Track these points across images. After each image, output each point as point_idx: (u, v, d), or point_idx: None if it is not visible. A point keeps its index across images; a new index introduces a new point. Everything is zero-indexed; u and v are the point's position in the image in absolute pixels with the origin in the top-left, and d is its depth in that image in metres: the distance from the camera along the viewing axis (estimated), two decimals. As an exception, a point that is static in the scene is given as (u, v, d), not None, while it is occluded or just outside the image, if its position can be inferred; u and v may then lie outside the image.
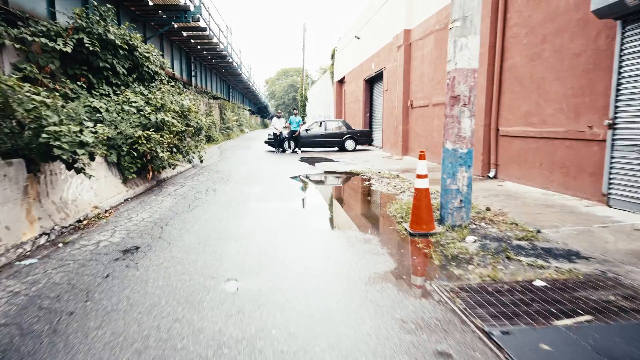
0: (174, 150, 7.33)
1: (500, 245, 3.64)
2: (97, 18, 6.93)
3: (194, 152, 9.33)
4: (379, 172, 8.97)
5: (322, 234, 4.26)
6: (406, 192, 6.51)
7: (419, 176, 4.18)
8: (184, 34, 14.69)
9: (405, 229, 4.24)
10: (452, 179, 4.28)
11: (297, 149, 14.87)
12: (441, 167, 4.44)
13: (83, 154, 3.67)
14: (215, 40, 16.22)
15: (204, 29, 13.81)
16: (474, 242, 3.79)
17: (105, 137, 4.29)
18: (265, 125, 59.30)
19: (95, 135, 3.92)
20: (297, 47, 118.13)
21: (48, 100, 3.65)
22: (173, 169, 7.74)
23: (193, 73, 18.51)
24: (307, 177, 8.68)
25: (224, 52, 18.36)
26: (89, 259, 3.36)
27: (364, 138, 15.42)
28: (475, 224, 4.41)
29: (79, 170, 3.95)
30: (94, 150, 3.89)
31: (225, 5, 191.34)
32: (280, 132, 14.96)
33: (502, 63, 7.24)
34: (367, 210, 5.58)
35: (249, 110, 44.61)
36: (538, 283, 2.82)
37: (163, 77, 9.58)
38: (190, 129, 8.11)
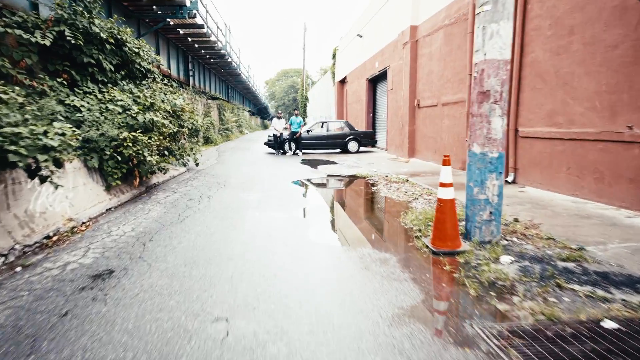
0: (165, 153, 6.74)
1: (544, 269, 3.05)
2: (81, 9, 6.35)
3: (189, 155, 8.76)
4: (386, 176, 8.39)
5: (331, 252, 3.67)
6: (419, 199, 5.93)
7: (442, 185, 3.59)
8: (181, 31, 14.13)
9: (427, 246, 3.65)
10: (481, 188, 3.69)
11: (298, 151, 14.29)
12: (467, 174, 3.85)
13: (46, 161, 3.09)
14: (213, 38, 15.67)
15: (201, 26, 13.25)
16: (511, 263, 3.20)
17: (76, 139, 3.69)
18: (265, 127, 58.74)
19: (63, 137, 3.34)
20: (297, 47, 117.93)
21: (4, 96, 3.07)
22: (164, 173, 7.15)
23: (191, 73, 17.96)
24: (309, 181, 8.09)
25: (222, 51, 17.80)
26: (49, 288, 2.77)
27: (368, 139, 14.84)
28: (507, 239, 3.82)
29: (43, 179, 3.37)
30: (60, 155, 3.30)
31: (224, 6, 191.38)
32: (281, 134, 14.39)
33: (522, 58, 6.66)
34: (379, 222, 4.98)
35: (249, 111, 44.08)
36: (608, 324, 2.23)
37: (156, 75, 9.02)
38: (184, 130, 7.53)
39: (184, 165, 9.15)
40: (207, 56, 19.09)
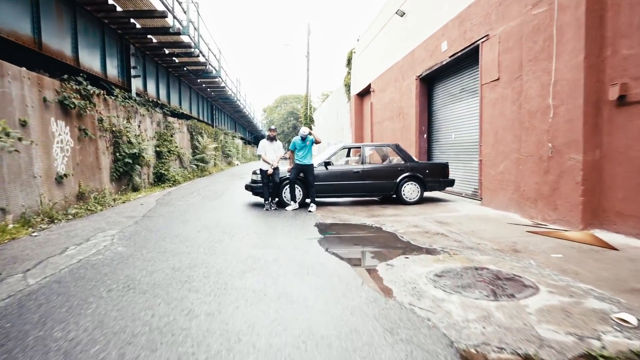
0: None
1: None
2: None
3: None
4: None
5: None
6: None
7: None
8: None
9: None
10: None
11: (309, 202, 7.37)
12: None
13: None
14: (160, 7, 9.16)
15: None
16: None
17: None
18: (262, 156, 52.07)
19: None
20: (296, 73, 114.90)
21: None
22: None
23: (133, 72, 11.37)
24: None
25: (184, 39, 11.29)
26: None
27: (437, 179, 7.94)
28: None
29: None
30: None
31: (220, 33, 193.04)
32: (275, 168, 7.50)
33: None
34: None
35: (241, 138, 37.59)
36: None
37: None
38: None
39: None
40: (167, 52, 12.63)
